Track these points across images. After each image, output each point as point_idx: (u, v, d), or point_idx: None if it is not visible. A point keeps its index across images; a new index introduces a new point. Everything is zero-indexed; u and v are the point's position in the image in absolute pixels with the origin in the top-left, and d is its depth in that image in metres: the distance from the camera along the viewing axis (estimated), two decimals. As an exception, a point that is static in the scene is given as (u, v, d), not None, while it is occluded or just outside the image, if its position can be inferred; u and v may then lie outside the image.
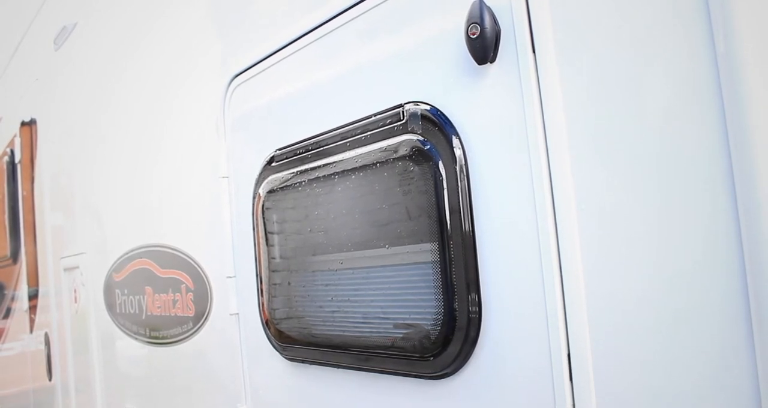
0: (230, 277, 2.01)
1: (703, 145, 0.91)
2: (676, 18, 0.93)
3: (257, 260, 1.82)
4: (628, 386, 1.00)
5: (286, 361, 1.76)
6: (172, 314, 2.39)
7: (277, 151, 1.74)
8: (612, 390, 1.02)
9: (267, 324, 1.79)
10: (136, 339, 2.71)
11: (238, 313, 1.99)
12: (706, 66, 0.90)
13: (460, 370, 1.27)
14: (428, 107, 1.33)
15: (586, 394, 1.05)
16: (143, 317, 2.62)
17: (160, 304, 2.47)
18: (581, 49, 1.06)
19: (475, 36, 1.18)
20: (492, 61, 1.19)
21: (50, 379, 3.79)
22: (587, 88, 1.05)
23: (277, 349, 1.77)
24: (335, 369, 1.58)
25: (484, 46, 1.18)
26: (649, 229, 0.97)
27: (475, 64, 1.21)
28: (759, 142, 0.84)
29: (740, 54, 0.86)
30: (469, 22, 1.19)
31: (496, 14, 1.18)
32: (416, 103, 1.35)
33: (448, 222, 1.26)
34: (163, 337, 2.48)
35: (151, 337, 2.58)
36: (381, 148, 1.41)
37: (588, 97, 1.05)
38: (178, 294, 2.34)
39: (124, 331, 2.81)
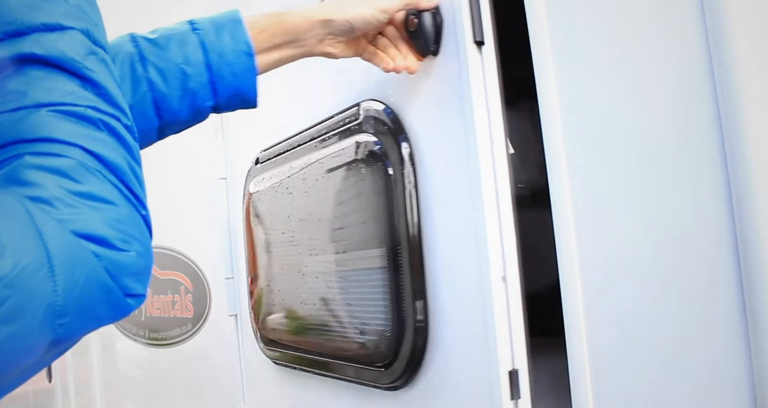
0: (228, 278, 2.01)
1: (700, 142, 0.90)
2: (663, 10, 0.93)
3: (247, 261, 1.82)
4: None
5: (270, 362, 1.76)
6: (171, 315, 2.39)
7: (261, 152, 1.75)
8: None
9: (253, 325, 1.80)
10: (135, 340, 2.71)
11: (236, 314, 1.99)
12: (700, 58, 0.89)
13: (411, 382, 1.21)
14: (382, 106, 1.26)
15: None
16: (142, 318, 2.62)
17: (159, 306, 2.47)
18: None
19: (413, 29, 1.13)
20: (435, 54, 1.14)
21: (50, 381, 3.79)
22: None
23: (262, 351, 1.77)
24: (312, 374, 1.56)
25: (424, 39, 1.13)
26: (643, 229, 0.96)
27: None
28: (753, 143, 0.84)
29: (733, 51, 0.86)
30: (407, 14, 1.13)
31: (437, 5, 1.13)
32: (371, 100, 1.30)
33: (396, 226, 1.19)
34: (162, 339, 2.49)
35: (150, 339, 2.59)
36: (341, 148, 1.35)
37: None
38: (177, 295, 2.35)
39: (124, 333, 2.82)
